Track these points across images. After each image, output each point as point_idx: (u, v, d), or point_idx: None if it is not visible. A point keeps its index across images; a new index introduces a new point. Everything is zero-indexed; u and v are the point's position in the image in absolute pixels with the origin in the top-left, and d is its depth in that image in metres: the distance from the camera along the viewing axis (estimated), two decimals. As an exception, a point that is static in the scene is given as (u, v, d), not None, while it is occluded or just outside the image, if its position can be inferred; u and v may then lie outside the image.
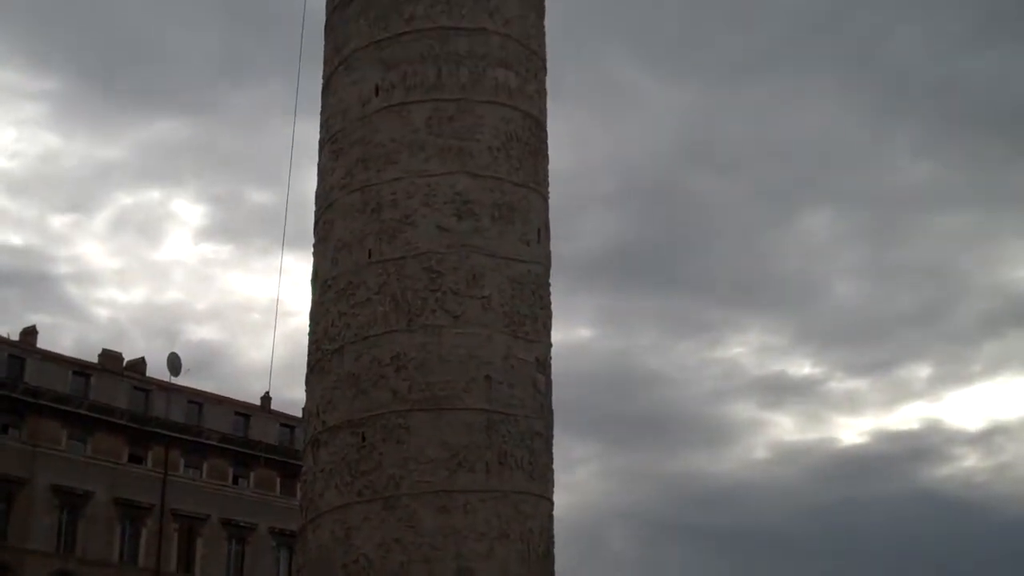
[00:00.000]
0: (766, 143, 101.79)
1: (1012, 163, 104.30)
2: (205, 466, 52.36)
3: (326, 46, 25.95)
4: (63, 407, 48.29)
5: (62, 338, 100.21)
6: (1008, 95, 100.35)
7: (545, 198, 24.99)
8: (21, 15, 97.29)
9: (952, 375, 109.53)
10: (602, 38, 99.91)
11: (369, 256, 23.45)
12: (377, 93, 24.34)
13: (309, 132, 26.18)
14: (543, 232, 24.61)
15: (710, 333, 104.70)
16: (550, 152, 25.61)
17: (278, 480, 54.01)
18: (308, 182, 25.79)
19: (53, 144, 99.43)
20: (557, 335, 24.44)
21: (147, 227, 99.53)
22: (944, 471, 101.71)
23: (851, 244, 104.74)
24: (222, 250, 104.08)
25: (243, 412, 55.01)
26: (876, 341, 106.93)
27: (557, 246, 25.15)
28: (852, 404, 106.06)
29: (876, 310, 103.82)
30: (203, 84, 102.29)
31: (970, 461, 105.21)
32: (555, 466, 23.80)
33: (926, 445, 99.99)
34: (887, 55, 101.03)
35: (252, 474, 53.70)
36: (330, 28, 25.90)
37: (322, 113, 25.61)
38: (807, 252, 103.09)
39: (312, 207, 25.39)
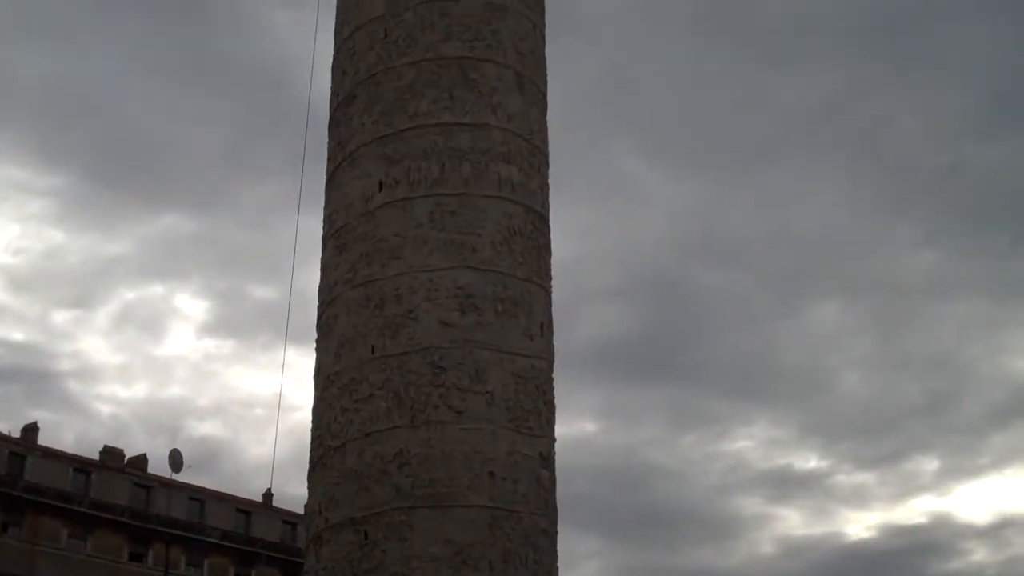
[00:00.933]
0: (770, 234, 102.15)
1: (1017, 252, 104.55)
2: (206, 564, 51.80)
3: (330, 142, 26.12)
4: (63, 505, 47.90)
5: (63, 435, 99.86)
6: (1012, 184, 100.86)
7: (548, 292, 24.95)
8: (29, 113, 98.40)
9: (960, 468, 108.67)
10: (605, 131, 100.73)
11: (372, 352, 23.36)
12: (381, 188, 24.45)
13: (313, 227, 26.28)
14: (546, 326, 24.54)
15: (715, 426, 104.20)
16: (553, 244, 25.67)
17: (280, 578, 53.41)
18: (311, 277, 25.85)
19: (57, 240, 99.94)
20: (561, 429, 24.30)
21: (150, 322, 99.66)
22: (953, 565, 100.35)
23: (857, 335, 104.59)
24: (225, 345, 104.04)
25: (245, 509, 54.58)
26: (883, 433, 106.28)
27: (561, 339, 25.09)
28: (859, 498, 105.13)
29: (883, 402, 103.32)
30: (208, 179, 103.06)
31: (979, 555, 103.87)
32: (560, 562, 23.48)
33: (935, 539, 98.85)
34: (890, 144, 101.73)
35: (254, 572, 53.10)
36: (334, 124, 26.09)
37: (326, 208, 25.69)
38: (813, 343, 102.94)
39: (315, 302, 25.36)
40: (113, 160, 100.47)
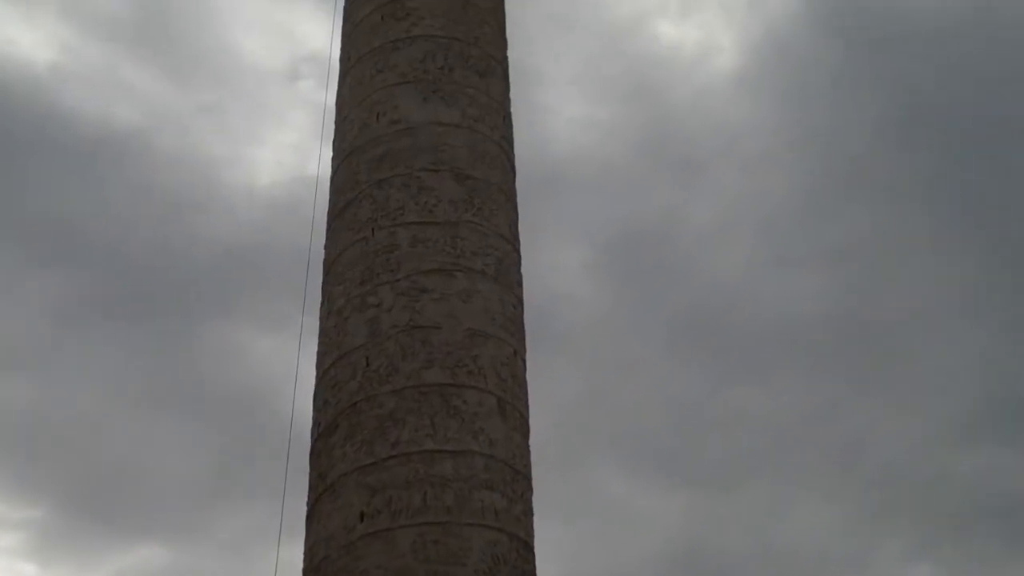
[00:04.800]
0: (758, 550, 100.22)
1: (1011, 558, 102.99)
2: None
3: (311, 473, 25.75)
4: None
5: None
6: (999, 489, 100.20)
7: (536, 624, 24.19)
8: (3, 445, 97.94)
9: None
10: (587, 450, 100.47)
11: None
12: (362, 519, 23.95)
13: (293, 558, 25.57)
14: (536, 660, 23.66)
15: None
16: (539, 568, 24.87)
17: None
18: (292, 610, 24.97)
19: (30, 575, 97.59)
20: None
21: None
22: None
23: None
24: None
25: None
26: None
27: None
28: None
29: None
30: (185, 509, 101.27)
31: None
32: None
33: None
34: (874, 456, 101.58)
35: None
36: (315, 455, 25.80)
37: (306, 541, 25.05)
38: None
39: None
40: (89, 491, 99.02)
